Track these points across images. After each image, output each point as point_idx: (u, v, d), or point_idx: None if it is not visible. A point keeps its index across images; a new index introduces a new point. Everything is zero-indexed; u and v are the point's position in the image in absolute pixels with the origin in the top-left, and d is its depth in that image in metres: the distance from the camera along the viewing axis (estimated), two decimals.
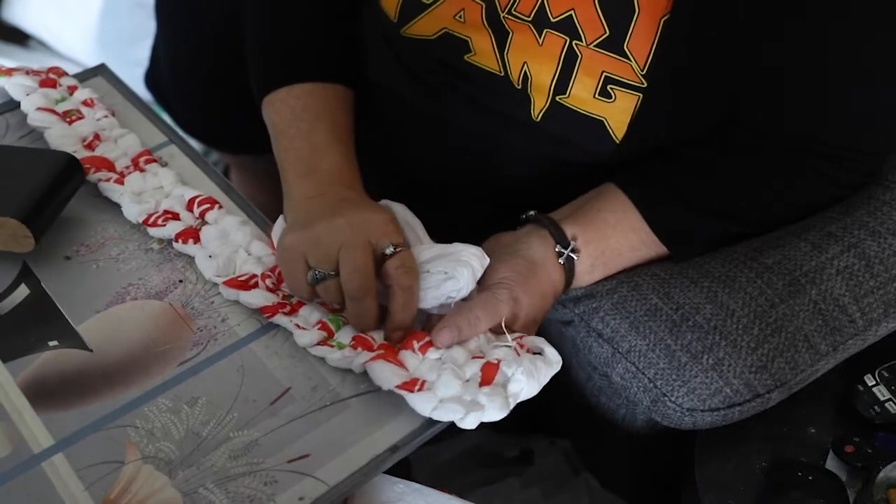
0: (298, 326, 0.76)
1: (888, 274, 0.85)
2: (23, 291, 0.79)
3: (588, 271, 0.84)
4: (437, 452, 1.20)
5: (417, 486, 0.73)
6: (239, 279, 0.79)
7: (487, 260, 0.77)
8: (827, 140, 0.83)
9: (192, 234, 0.82)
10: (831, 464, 0.85)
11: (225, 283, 0.79)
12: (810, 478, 0.82)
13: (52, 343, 0.75)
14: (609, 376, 0.86)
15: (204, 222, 0.84)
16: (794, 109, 0.82)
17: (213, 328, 0.77)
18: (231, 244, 0.82)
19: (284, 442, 0.69)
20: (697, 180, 0.85)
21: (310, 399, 0.72)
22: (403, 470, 0.81)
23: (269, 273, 0.79)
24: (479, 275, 0.76)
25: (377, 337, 0.75)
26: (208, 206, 0.84)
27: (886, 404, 0.86)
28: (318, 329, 0.75)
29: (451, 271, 0.75)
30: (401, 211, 0.81)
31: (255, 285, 0.78)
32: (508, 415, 1.21)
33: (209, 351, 0.75)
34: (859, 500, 0.81)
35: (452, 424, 0.72)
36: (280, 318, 0.77)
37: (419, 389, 0.70)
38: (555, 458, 1.21)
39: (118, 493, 0.65)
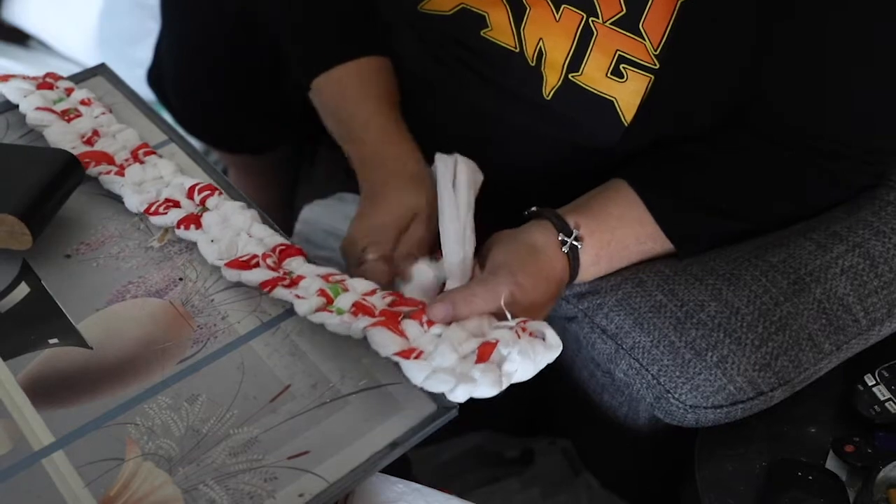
0: (298, 297, 0.76)
1: (892, 274, 0.85)
2: (23, 290, 0.79)
3: (593, 262, 0.83)
4: (437, 452, 1.20)
5: (417, 486, 0.73)
6: (240, 260, 0.79)
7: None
8: (833, 138, 0.83)
9: (193, 220, 0.82)
10: (831, 464, 0.86)
11: (226, 264, 0.79)
12: (810, 477, 0.82)
13: (52, 341, 0.75)
14: (612, 373, 0.86)
15: (205, 208, 0.84)
16: (799, 107, 0.82)
17: (212, 326, 0.77)
18: (232, 228, 0.82)
19: (284, 439, 0.69)
20: (703, 177, 0.85)
21: (309, 396, 0.72)
22: (404, 470, 0.81)
23: (270, 253, 0.79)
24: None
25: (378, 304, 0.75)
26: (209, 192, 0.84)
27: (886, 404, 0.86)
28: (318, 296, 0.75)
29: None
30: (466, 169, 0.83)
31: (257, 265, 0.78)
32: (508, 415, 1.22)
33: (209, 348, 0.75)
34: (859, 499, 0.81)
35: (453, 423, 0.72)
36: (280, 291, 0.76)
37: (415, 358, 0.70)
38: (555, 458, 1.21)
39: (118, 489, 0.65)
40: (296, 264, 0.79)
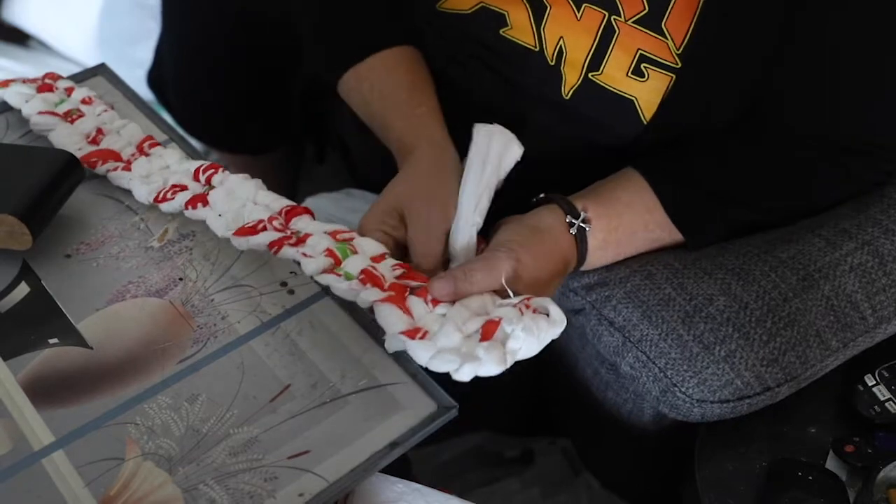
0: (305, 255, 0.75)
1: None
2: (23, 289, 0.79)
3: (601, 246, 0.83)
4: (437, 452, 1.20)
5: (417, 486, 0.73)
6: (247, 226, 0.78)
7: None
8: (845, 133, 0.83)
9: (200, 199, 0.82)
10: (831, 464, 0.86)
11: (234, 233, 0.78)
12: (810, 477, 0.82)
13: (52, 341, 0.75)
14: (618, 367, 0.86)
15: (211, 187, 0.84)
16: (813, 102, 0.83)
17: (212, 326, 0.77)
18: (238, 199, 0.82)
19: (284, 438, 0.69)
20: (714, 167, 0.85)
21: (309, 396, 0.72)
22: (404, 470, 0.81)
23: (277, 215, 0.79)
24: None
25: (387, 275, 0.74)
26: (213, 171, 0.84)
27: (886, 404, 0.86)
28: (325, 256, 0.75)
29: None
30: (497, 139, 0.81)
31: (264, 229, 0.78)
32: (508, 415, 1.22)
33: (209, 348, 0.75)
34: (859, 499, 0.81)
35: (453, 423, 0.72)
36: (287, 250, 0.76)
37: (421, 338, 0.69)
38: (555, 458, 1.21)
39: (118, 489, 0.65)
40: (303, 223, 0.78)
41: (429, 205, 0.79)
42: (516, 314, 0.70)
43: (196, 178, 0.85)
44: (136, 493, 0.65)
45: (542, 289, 0.77)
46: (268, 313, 0.78)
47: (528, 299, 0.71)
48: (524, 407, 1.19)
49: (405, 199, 0.80)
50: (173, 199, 0.83)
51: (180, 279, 0.80)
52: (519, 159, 0.81)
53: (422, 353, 0.68)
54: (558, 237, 0.80)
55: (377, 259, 0.75)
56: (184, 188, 0.84)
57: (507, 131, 0.81)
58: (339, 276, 0.74)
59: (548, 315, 0.70)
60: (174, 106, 1.32)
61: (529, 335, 0.68)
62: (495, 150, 0.80)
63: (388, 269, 0.75)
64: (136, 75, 1.30)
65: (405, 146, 0.85)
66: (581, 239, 0.81)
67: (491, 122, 0.82)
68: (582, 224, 0.81)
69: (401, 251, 0.79)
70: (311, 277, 0.75)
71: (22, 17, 1.65)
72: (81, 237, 0.84)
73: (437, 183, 0.80)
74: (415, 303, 0.72)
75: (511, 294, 0.72)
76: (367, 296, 0.72)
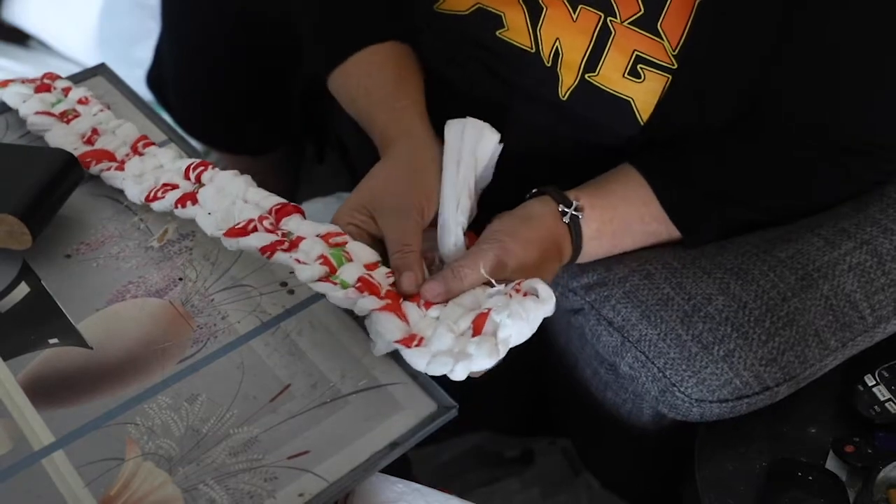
0: (299, 261, 0.75)
1: None
2: (23, 290, 0.79)
3: (595, 237, 0.83)
4: (437, 452, 1.21)
5: (417, 486, 0.73)
6: (237, 227, 0.78)
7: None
8: (846, 133, 0.83)
9: (189, 198, 0.82)
10: (831, 464, 0.86)
11: (224, 234, 0.78)
12: (810, 477, 0.82)
13: (52, 341, 0.75)
14: (617, 367, 0.86)
15: (201, 184, 0.83)
16: (813, 101, 0.83)
17: (212, 325, 0.77)
18: (228, 197, 0.81)
19: (284, 438, 0.69)
20: (710, 163, 0.85)
21: (309, 396, 0.72)
22: (404, 470, 0.81)
23: (267, 214, 0.79)
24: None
25: (383, 282, 0.74)
26: (202, 168, 0.84)
27: (886, 404, 0.86)
28: (320, 264, 0.74)
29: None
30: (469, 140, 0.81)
31: (255, 229, 0.77)
32: (508, 415, 1.22)
33: (209, 348, 0.75)
34: (859, 500, 0.81)
35: (453, 423, 0.72)
36: (280, 256, 0.75)
37: (416, 345, 0.70)
38: (555, 458, 1.21)
39: (118, 489, 0.65)
40: (294, 224, 0.78)
41: (397, 204, 0.78)
42: (505, 301, 0.70)
43: (187, 176, 0.85)
44: (136, 493, 0.65)
45: (532, 274, 0.76)
46: (268, 313, 0.78)
47: (518, 284, 0.72)
48: (524, 407, 1.19)
49: (376, 197, 0.80)
50: (164, 197, 0.83)
51: (180, 279, 0.80)
52: (498, 145, 0.81)
53: (418, 360, 0.69)
54: (549, 224, 0.80)
55: (371, 267, 0.75)
56: (174, 187, 0.84)
57: (479, 122, 0.81)
58: (335, 284, 0.74)
59: (537, 296, 0.71)
60: (174, 106, 1.32)
61: (518, 320, 0.69)
62: (468, 145, 0.80)
63: (383, 276, 0.75)
64: (136, 75, 1.30)
65: (386, 139, 0.86)
66: (575, 228, 0.81)
67: (486, 121, 0.82)
68: (574, 212, 0.81)
69: (376, 245, 0.78)
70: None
71: (22, 17, 1.65)
72: (81, 237, 0.84)
73: (407, 183, 0.80)
74: (409, 308, 0.73)
75: (493, 283, 0.72)
76: (365, 304, 0.72)
